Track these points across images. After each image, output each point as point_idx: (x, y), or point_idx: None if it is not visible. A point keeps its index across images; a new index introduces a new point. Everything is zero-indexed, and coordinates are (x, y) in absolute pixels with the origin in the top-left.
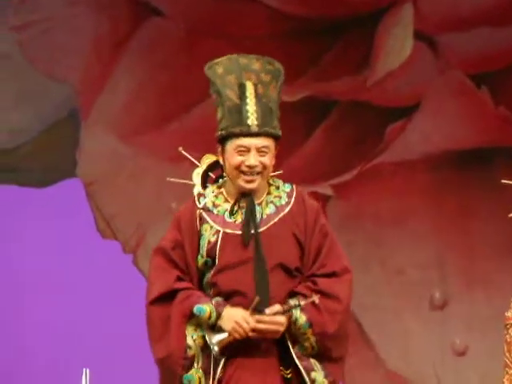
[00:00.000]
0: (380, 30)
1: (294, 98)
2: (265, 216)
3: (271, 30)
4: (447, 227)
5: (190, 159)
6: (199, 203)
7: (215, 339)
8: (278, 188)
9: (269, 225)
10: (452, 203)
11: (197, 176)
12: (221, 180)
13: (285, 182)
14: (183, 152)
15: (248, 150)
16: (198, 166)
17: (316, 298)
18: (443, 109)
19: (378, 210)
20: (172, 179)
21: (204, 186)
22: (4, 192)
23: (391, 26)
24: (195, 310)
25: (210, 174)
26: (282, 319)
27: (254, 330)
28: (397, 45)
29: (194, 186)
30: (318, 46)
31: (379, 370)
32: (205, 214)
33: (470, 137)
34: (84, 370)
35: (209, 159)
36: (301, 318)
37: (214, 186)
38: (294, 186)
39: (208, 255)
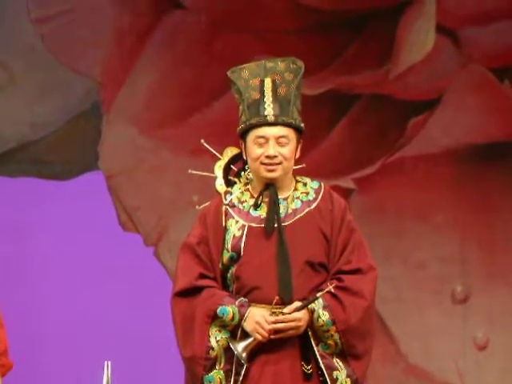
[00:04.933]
0: (402, 24)
1: (316, 92)
2: (290, 210)
3: (293, 24)
4: (469, 221)
5: (211, 152)
6: (225, 200)
7: (240, 347)
8: (305, 185)
9: (295, 219)
10: (474, 197)
11: (218, 169)
12: (243, 173)
13: (313, 179)
14: (205, 144)
15: (266, 140)
16: (219, 159)
17: (331, 288)
18: (465, 103)
19: (399, 204)
20: (194, 171)
21: (226, 179)
22: (26, 184)
23: (414, 19)
24: (218, 311)
25: (232, 166)
26: (300, 314)
27: (275, 332)
28: (419, 38)
29: (215, 178)
30: (340, 40)
31: (400, 363)
32: (230, 210)
33: (492, 130)
34: (106, 362)
35: (230, 152)
36: (324, 315)
37: (241, 184)
38: (321, 183)
39: (233, 249)
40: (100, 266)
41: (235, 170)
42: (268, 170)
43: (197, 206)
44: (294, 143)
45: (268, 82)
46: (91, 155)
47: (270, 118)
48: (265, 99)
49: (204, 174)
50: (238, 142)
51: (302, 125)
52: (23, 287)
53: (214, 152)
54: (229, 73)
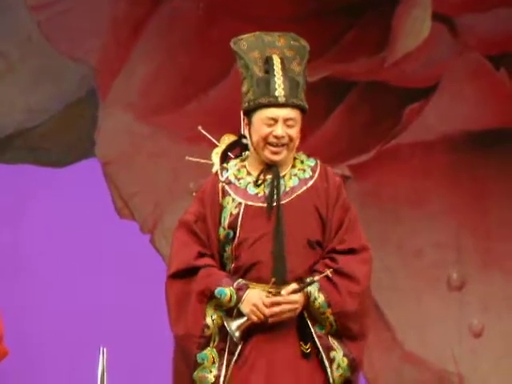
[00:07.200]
0: (399, 11)
1: (313, 79)
2: (288, 188)
3: (290, 11)
4: (465, 208)
5: (208, 139)
6: (222, 176)
7: (234, 325)
8: (302, 162)
9: (292, 197)
10: (469, 184)
11: (216, 155)
12: (243, 154)
13: (309, 156)
14: (202, 131)
15: (275, 121)
16: (216, 146)
17: (329, 272)
18: (461, 90)
19: (395, 191)
20: (191, 158)
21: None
22: (22, 171)
23: (410, 6)
24: (216, 292)
25: (229, 153)
26: (297, 297)
27: (271, 315)
28: (415, 26)
29: (212, 165)
30: (336, 27)
31: (396, 350)
32: (227, 187)
33: (488, 118)
34: (101, 348)
35: (228, 139)
36: (319, 297)
37: (237, 160)
38: (317, 161)
39: (230, 227)
40: (96, 252)
41: (232, 156)
42: (273, 152)
43: (193, 193)
44: (299, 124)
45: (276, 59)
46: (87, 142)
47: (281, 99)
48: (275, 79)
49: (201, 160)
50: (236, 129)
51: (307, 106)
52: (19, 274)
53: (212, 139)
54: (232, 44)
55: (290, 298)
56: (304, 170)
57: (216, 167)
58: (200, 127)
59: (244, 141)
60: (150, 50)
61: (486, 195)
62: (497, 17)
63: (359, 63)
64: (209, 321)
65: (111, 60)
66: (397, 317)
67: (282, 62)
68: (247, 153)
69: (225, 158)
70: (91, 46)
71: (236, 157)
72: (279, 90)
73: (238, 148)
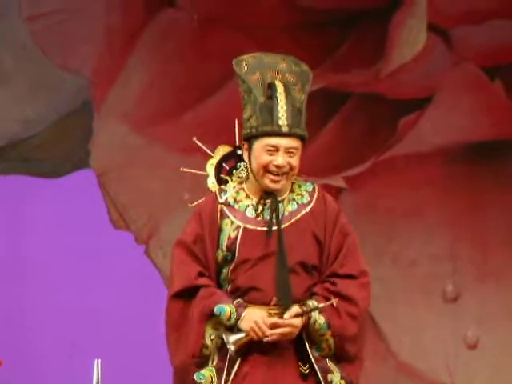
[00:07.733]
0: (394, 22)
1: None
2: (287, 213)
3: (285, 21)
4: (460, 220)
5: (203, 150)
6: (220, 198)
7: (232, 339)
8: (299, 187)
9: (291, 222)
10: (465, 196)
11: (210, 167)
12: (234, 171)
13: (306, 180)
14: (197, 142)
15: (277, 149)
16: (211, 157)
17: (334, 302)
18: (457, 102)
19: (390, 203)
20: (186, 169)
21: (218, 177)
22: (17, 182)
23: (406, 18)
24: (216, 309)
25: (224, 164)
26: (298, 321)
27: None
28: (411, 37)
29: (207, 176)
30: (332, 38)
31: (391, 361)
32: (226, 209)
33: (483, 130)
34: (96, 360)
35: (223, 150)
36: (320, 319)
37: (236, 182)
38: (315, 186)
39: (228, 250)
40: (90, 263)
41: (227, 168)
42: (272, 180)
43: (189, 204)
44: (300, 152)
45: (280, 86)
46: (82, 153)
47: (285, 129)
48: (278, 107)
49: (196, 172)
50: (230, 140)
51: (308, 135)
52: (13, 285)
53: (206, 150)
54: (233, 65)
55: (291, 321)
56: (302, 195)
57: (211, 178)
58: (195, 138)
59: (239, 152)
60: (145, 60)
61: (481, 207)
62: (491, 28)
63: (355, 74)
64: (207, 340)
65: (106, 70)
66: (391, 328)
67: (286, 89)
68: (244, 176)
69: (220, 170)
70: (86, 57)
71: (230, 169)
72: (282, 119)
73: (232, 159)
